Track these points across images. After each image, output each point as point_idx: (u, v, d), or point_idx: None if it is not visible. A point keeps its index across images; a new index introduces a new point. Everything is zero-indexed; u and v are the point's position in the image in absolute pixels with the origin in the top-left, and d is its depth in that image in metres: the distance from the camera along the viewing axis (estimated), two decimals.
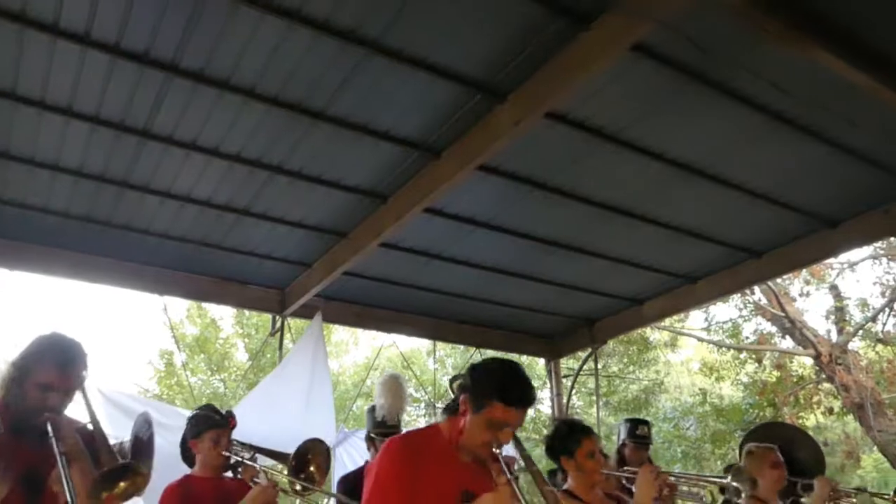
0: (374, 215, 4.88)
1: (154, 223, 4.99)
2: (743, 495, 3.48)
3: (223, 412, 3.49)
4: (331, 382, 6.13)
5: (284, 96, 3.73)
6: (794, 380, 10.85)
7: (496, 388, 2.15)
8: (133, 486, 2.40)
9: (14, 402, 2.45)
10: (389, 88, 3.71)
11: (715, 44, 3.34)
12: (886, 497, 4.02)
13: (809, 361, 10.94)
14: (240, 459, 3.31)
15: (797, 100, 3.82)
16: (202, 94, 3.70)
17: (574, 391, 9.34)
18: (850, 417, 10.65)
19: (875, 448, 12.69)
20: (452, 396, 2.30)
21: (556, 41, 3.38)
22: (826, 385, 10.09)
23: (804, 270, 10.51)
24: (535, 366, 13.15)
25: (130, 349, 27.17)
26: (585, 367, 7.94)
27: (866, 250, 10.87)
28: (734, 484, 3.03)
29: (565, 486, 3.10)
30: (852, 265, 11.08)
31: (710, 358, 12.71)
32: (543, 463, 4.01)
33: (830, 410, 10.41)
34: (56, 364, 2.46)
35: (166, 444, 5.23)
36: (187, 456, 3.41)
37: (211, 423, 3.33)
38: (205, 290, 5.86)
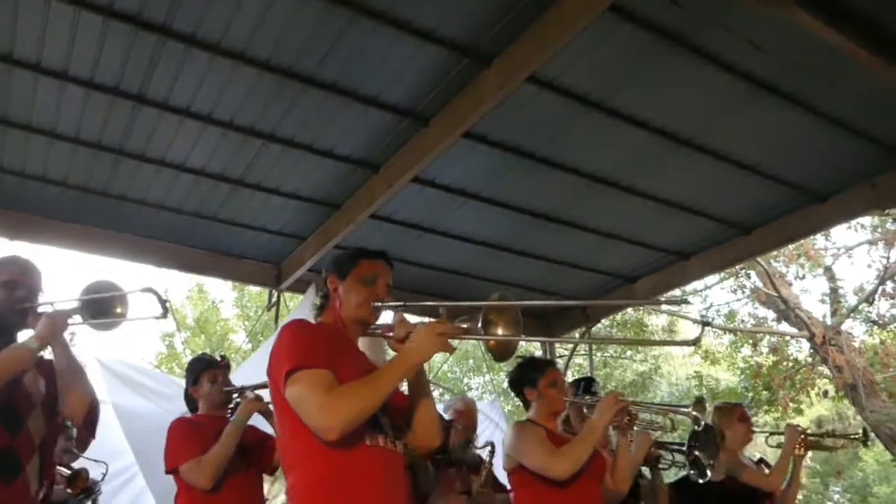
0: (366, 186, 4.96)
1: (150, 193, 5.08)
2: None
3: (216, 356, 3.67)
4: None
5: (275, 60, 3.81)
6: (790, 363, 10.90)
7: (355, 251, 2.26)
8: None
9: None
10: (377, 53, 3.79)
11: (694, 2, 3.40)
12: (855, 437, 4.10)
13: (805, 346, 10.99)
14: (237, 389, 3.45)
15: (779, 64, 3.89)
16: (194, 58, 3.78)
17: (571, 372, 9.40)
18: (846, 402, 10.71)
19: (876, 441, 12.76)
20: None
21: (538, 4, 3.45)
22: (821, 369, 10.14)
23: (800, 256, 10.55)
24: (531, 347, 13.25)
25: (131, 330, 27.24)
26: (580, 347, 8.01)
27: (862, 235, 10.95)
28: (694, 413, 3.12)
29: (528, 416, 3.20)
30: (848, 250, 11.14)
31: (706, 342, 12.79)
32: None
33: (825, 393, 10.48)
34: (16, 264, 2.61)
35: (161, 411, 5.37)
36: (191, 406, 3.54)
37: (204, 364, 3.50)
38: (201, 263, 5.95)
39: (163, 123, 4.32)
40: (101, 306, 2.66)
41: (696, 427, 3.26)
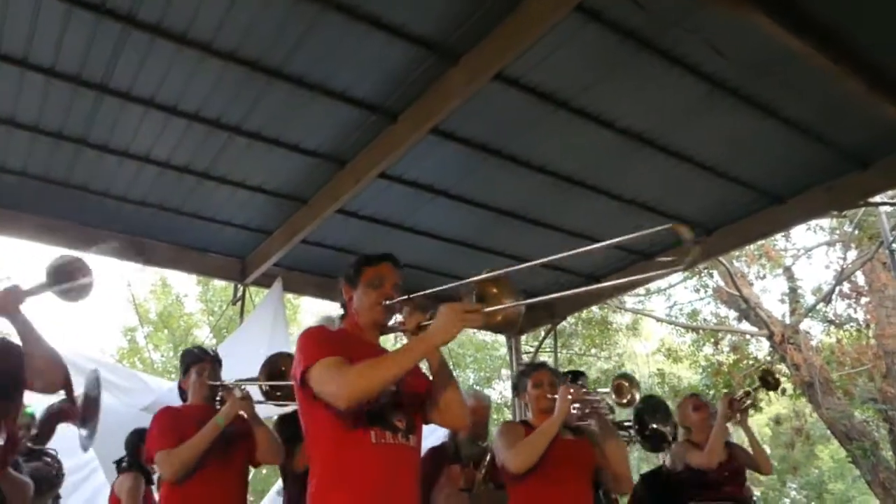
0: (332, 181, 4.95)
1: (113, 185, 5.00)
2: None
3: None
4: (290, 346, 6.17)
5: (241, 52, 3.79)
6: (750, 362, 11.14)
7: (362, 259, 2.40)
8: None
9: None
10: (345, 47, 3.78)
11: (657, 4, 3.46)
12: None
13: (765, 345, 11.24)
14: (222, 384, 3.48)
15: (740, 68, 3.98)
16: (160, 48, 3.73)
17: None
18: (803, 400, 10.96)
19: (831, 438, 13.09)
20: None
21: (506, 2, 3.48)
22: (780, 367, 10.38)
23: (761, 256, 10.79)
24: (498, 346, 13.35)
25: (93, 325, 26.81)
26: (546, 343, 8.08)
27: (821, 237, 11.23)
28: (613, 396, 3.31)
29: (524, 418, 3.30)
30: (808, 251, 11.42)
31: (669, 340, 13.02)
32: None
33: (783, 391, 10.72)
34: None
35: (121, 406, 5.29)
36: (184, 398, 3.56)
37: (193, 357, 3.56)
38: (165, 256, 5.87)
39: (126, 113, 4.26)
40: (64, 276, 2.65)
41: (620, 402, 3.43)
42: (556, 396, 3.21)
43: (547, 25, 3.39)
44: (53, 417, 4.44)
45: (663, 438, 4.15)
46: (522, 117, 4.40)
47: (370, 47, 3.79)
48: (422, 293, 2.24)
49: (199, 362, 3.52)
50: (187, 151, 4.66)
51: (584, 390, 3.35)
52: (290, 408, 3.69)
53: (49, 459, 4.31)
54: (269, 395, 3.69)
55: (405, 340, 2.27)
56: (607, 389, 3.50)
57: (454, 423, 2.43)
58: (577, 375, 3.88)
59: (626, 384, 3.45)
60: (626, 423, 4.07)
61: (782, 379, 10.96)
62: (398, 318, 2.31)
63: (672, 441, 4.18)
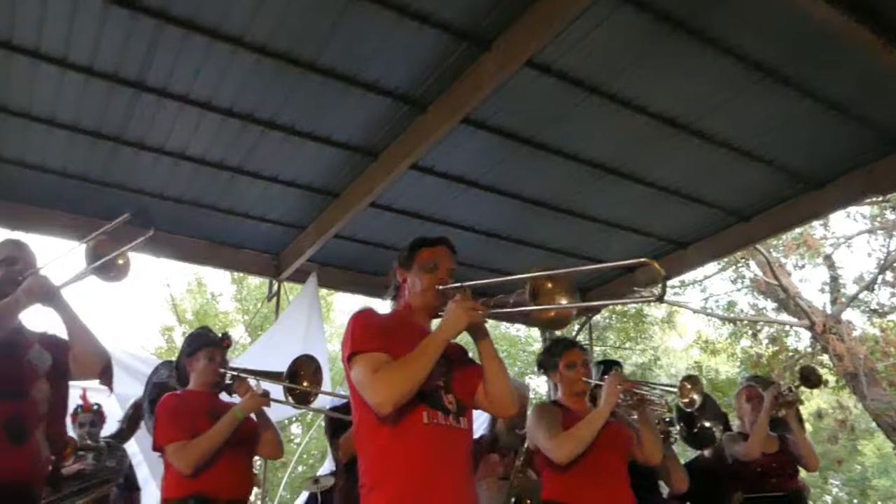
0: (365, 173, 4.96)
1: (149, 182, 5.07)
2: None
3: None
4: (325, 342, 6.21)
5: (273, 45, 3.81)
6: (790, 353, 10.92)
7: (415, 241, 2.37)
8: None
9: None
10: (376, 37, 3.79)
11: None
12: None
13: (804, 336, 11.02)
14: (235, 374, 3.36)
15: (778, 47, 3.89)
16: (193, 43, 3.77)
17: None
18: (846, 392, 10.72)
19: (875, 433, 12.78)
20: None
21: None
22: (821, 358, 10.16)
23: (800, 245, 10.56)
24: (532, 342, 13.28)
25: (132, 324, 27.34)
26: (579, 337, 8.01)
27: (861, 225, 10.95)
28: (684, 393, 3.20)
29: (554, 398, 3.23)
30: (848, 239, 11.15)
31: (705, 332, 12.85)
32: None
33: (825, 383, 10.48)
34: (12, 243, 2.75)
35: None
36: (182, 376, 3.43)
37: (206, 340, 3.40)
38: (199, 253, 5.95)
39: (162, 110, 4.32)
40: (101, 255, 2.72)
41: (684, 403, 3.31)
42: (594, 381, 3.17)
43: (580, 8, 3.35)
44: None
45: (711, 439, 4.05)
46: (554, 104, 4.36)
47: (400, 36, 3.79)
48: (475, 283, 2.22)
49: (211, 346, 3.37)
50: (222, 147, 4.71)
51: (633, 381, 3.26)
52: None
53: (90, 459, 4.35)
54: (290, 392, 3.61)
55: None
56: (674, 387, 3.38)
57: (502, 410, 2.37)
58: (611, 365, 3.81)
59: (690, 386, 3.34)
60: (667, 419, 3.97)
61: (824, 371, 10.77)
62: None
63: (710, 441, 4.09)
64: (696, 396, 3.31)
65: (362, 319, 2.22)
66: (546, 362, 3.31)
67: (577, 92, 4.22)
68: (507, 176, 5.14)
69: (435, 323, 2.30)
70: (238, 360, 6.30)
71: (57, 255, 2.74)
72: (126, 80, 4.04)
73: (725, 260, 10.52)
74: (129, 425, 4.68)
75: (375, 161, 4.83)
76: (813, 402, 13.54)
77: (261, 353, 5.80)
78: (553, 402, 3.29)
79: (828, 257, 10.85)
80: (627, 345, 13.47)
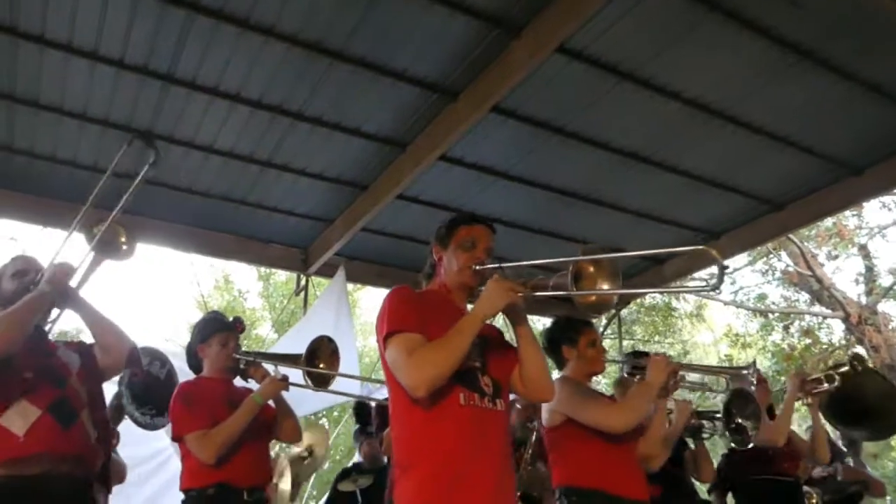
0: (393, 165, 4.93)
1: (179, 177, 5.08)
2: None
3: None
4: (354, 335, 6.20)
5: (303, 34, 3.79)
6: (823, 346, 10.72)
7: (454, 219, 2.33)
8: None
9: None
10: (406, 25, 3.76)
11: None
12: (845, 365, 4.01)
13: (838, 328, 10.81)
14: (250, 360, 3.32)
15: (816, 29, 3.79)
16: (223, 34, 3.77)
17: None
18: None
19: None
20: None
21: None
22: (856, 349, 9.94)
23: (832, 236, 10.37)
24: None
25: (160, 320, 27.61)
26: (608, 330, 7.94)
27: None
28: (750, 372, 3.09)
29: (563, 373, 3.12)
30: (882, 229, 10.92)
31: (736, 325, 12.66)
32: None
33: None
34: (21, 259, 2.76)
35: None
36: (194, 363, 3.38)
37: (219, 325, 3.34)
38: (229, 248, 5.96)
39: (192, 103, 4.32)
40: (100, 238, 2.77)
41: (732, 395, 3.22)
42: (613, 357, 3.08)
43: None
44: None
45: (744, 439, 3.97)
46: (585, 91, 4.30)
47: (430, 25, 3.75)
48: (514, 263, 2.18)
49: (224, 331, 3.30)
50: (250, 140, 4.71)
51: (679, 363, 3.12)
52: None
53: None
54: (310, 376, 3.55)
55: None
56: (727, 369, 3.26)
57: (539, 394, 2.34)
58: (639, 355, 3.73)
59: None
60: (715, 414, 3.87)
61: None
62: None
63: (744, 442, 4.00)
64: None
65: (398, 298, 2.17)
66: (564, 336, 3.11)
67: (608, 78, 4.15)
68: (537, 166, 5.08)
69: (471, 305, 2.27)
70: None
71: (58, 246, 2.76)
72: (156, 72, 4.05)
73: (756, 251, 10.34)
74: (114, 416, 4.65)
75: (404, 152, 4.80)
76: None
77: (289, 348, 5.78)
78: (565, 377, 3.08)
79: (863, 247, 10.64)
80: (656, 338, 13.31)
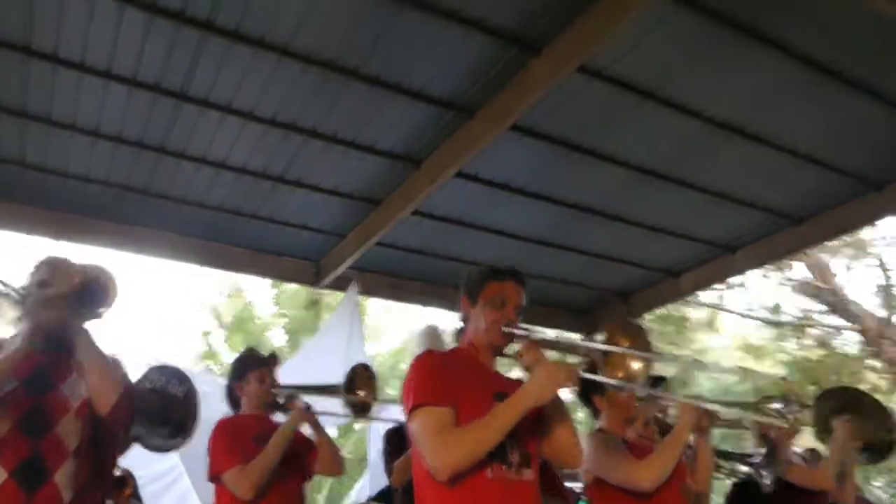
0: (407, 181, 4.87)
1: (190, 191, 5.03)
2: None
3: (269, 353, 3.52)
4: (366, 353, 6.15)
5: (319, 54, 3.73)
6: (839, 357, 10.60)
7: (484, 272, 2.24)
8: None
9: (32, 320, 2.41)
10: (422, 43, 3.69)
11: None
12: None
13: (854, 339, 10.69)
14: (290, 393, 3.32)
15: (841, 48, 3.72)
16: (237, 54, 3.71)
17: None
18: None
19: None
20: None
21: None
22: (871, 362, 9.84)
23: (848, 246, 10.25)
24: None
25: (170, 328, 27.55)
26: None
27: None
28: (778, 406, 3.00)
29: (598, 425, 3.06)
30: None
31: (749, 336, 12.49)
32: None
33: (877, 389, 10.17)
34: (46, 265, 2.51)
35: (205, 412, 5.34)
36: (233, 401, 3.42)
37: (255, 362, 3.37)
38: (240, 261, 5.90)
39: (204, 120, 4.27)
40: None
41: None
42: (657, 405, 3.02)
43: (636, 12, 3.22)
44: None
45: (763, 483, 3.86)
46: (605, 110, 4.23)
47: (448, 43, 3.69)
48: (545, 338, 2.15)
49: (260, 367, 3.34)
50: (263, 156, 4.65)
51: (705, 405, 2.95)
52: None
53: None
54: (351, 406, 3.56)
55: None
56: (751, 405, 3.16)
57: (566, 462, 2.26)
58: (657, 381, 3.63)
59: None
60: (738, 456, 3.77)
61: (874, 375, 10.45)
62: (515, 347, 2.19)
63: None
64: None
65: (425, 367, 2.09)
66: (592, 386, 2.95)
67: (628, 96, 4.08)
68: (553, 182, 5.02)
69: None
70: (279, 371, 6.28)
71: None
72: (169, 90, 3.99)
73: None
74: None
75: (418, 169, 4.74)
76: None
77: (302, 365, 5.76)
78: (599, 430, 3.05)
79: (881, 261, 10.52)
80: (669, 348, 13.17)
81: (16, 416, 2.26)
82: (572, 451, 2.18)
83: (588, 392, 3.06)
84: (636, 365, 2.03)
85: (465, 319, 2.26)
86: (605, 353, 1.99)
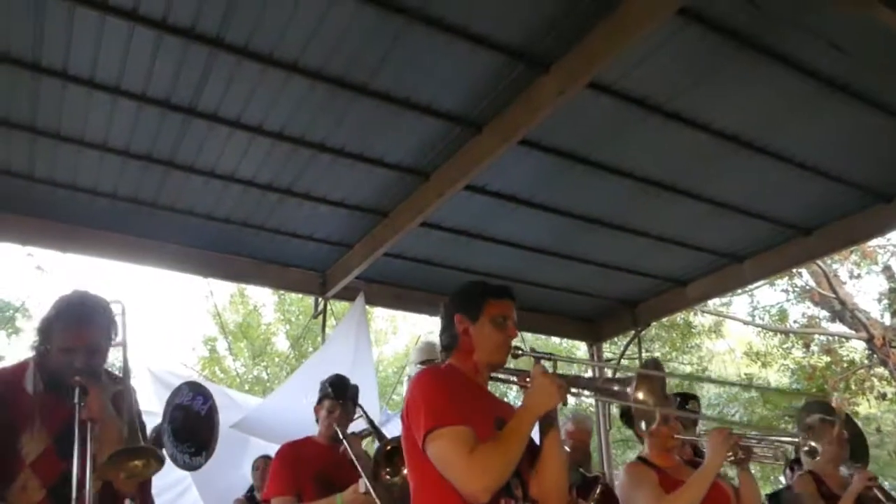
0: (415, 194, 4.88)
1: (198, 204, 5.05)
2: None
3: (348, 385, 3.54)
4: (373, 364, 6.14)
5: (327, 70, 3.74)
6: (845, 364, 10.55)
7: (481, 290, 2.19)
8: (146, 467, 2.25)
9: (46, 363, 2.39)
10: (430, 60, 3.70)
11: (771, 2, 3.25)
12: None
13: (860, 346, 10.64)
14: (362, 431, 3.43)
15: (852, 63, 3.71)
16: (246, 70, 3.72)
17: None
18: None
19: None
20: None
21: (600, 7, 3.33)
22: (878, 370, 9.80)
23: (855, 252, 10.22)
24: (575, 351, 13.08)
25: (176, 335, 27.64)
26: (628, 351, 7.84)
27: None
28: (811, 442, 2.98)
29: (640, 454, 3.07)
30: None
31: (755, 342, 12.48)
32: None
33: (883, 396, 10.13)
34: (72, 325, 2.36)
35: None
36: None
37: (326, 393, 3.43)
38: (246, 271, 5.93)
39: (212, 135, 4.28)
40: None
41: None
42: (696, 437, 2.99)
43: (646, 29, 3.22)
44: None
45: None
46: (612, 124, 4.23)
47: (456, 59, 3.69)
48: (542, 354, 2.13)
49: (331, 400, 3.39)
50: (271, 170, 4.66)
51: (738, 436, 2.92)
52: None
53: None
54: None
55: None
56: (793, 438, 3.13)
57: (549, 500, 2.12)
58: (687, 399, 3.61)
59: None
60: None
61: (881, 383, 10.40)
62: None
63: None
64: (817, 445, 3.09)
65: (435, 387, 2.03)
66: (632, 414, 3.08)
67: (636, 111, 4.08)
68: (561, 194, 5.02)
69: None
70: (286, 384, 6.27)
71: None
72: (178, 106, 4.01)
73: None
74: None
75: (426, 182, 4.74)
76: (869, 412, 13.10)
77: (308, 378, 5.74)
78: (641, 459, 3.05)
79: (887, 268, 10.47)
80: (674, 354, 13.18)
81: (56, 429, 2.29)
82: (556, 495, 2.11)
83: (631, 422, 3.14)
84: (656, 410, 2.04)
85: (456, 336, 2.17)
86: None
